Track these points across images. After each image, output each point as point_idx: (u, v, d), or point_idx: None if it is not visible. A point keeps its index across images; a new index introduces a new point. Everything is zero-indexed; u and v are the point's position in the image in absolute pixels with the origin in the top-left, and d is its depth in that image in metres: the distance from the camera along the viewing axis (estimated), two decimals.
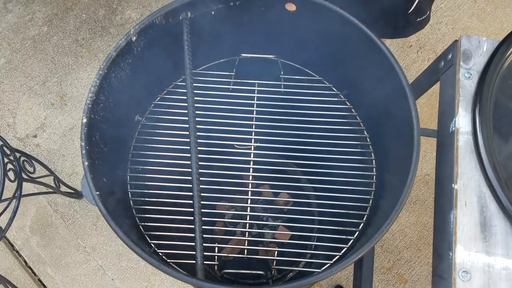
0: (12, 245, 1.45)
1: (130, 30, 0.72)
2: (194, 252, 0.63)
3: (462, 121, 0.70)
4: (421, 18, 0.95)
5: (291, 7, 0.77)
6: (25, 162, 1.13)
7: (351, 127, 0.83)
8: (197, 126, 0.71)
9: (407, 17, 0.93)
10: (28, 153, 1.23)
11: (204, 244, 0.63)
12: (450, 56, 0.77)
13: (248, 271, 0.75)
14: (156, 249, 0.72)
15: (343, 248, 0.74)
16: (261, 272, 0.75)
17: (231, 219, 1.03)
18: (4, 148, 1.03)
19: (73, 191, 1.42)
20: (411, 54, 1.67)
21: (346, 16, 0.73)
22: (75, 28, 1.73)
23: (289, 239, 1.02)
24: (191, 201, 0.66)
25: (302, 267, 0.93)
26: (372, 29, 0.71)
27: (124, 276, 1.41)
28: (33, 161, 1.17)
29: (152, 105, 0.85)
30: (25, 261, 1.43)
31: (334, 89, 0.87)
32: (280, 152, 0.79)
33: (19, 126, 1.59)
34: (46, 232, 1.45)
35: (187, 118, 0.71)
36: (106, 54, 1.69)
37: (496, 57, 0.71)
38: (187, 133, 0.70)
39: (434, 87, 0.90)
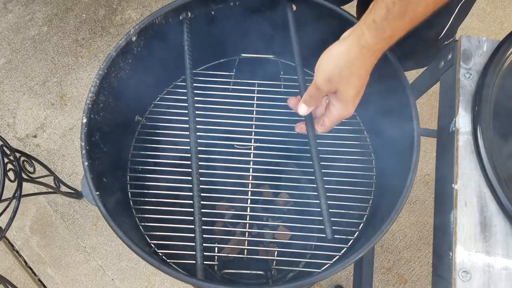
0: (12, 245, 1.45)
1: (130, 30, 0.72)
2: (194, 252, 0.63)
3: (462, 121, 0.70)
4: (449, 41, 0.89)
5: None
6: (25, 162, 1.13)
7: (351, 127, 0.83)
8: (197, 126, 0.71)
9: (437, 44, 0.89)
10: (28, 153, 1.23)
11: (204, 244, 0.63)
12: (450, 56, 0.77)
13: (248, 271, 0.75)
14: (156, 249, 0.72)
15: (343, 248, 0.74)
16: (261, 272, 0.75)
17: (231, 219, 1.03)
18: (4, 148, 1.03)
19: (73, 191, 1.42)
20: None
21: (346, 17, 0.73)
22: (75, 28, 1.73)
23: (289, 239, 1.02)
24: (191, 201, 0.66)
25: (302, 267, 0.93)
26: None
27: (124, 276, 1.41)
28: (33, 161, 1.17)
29: (152, 105, 0.85)
30: (25, 261, 1.43)
31: None
32: (280, 152, 0.79)
33: (19, 126, 1.59)
34: (46, 232, 1.45)
35: (187, 118, 0.71)
36: (106, 54, 1.69)
37: (496, 57, 0.71)
38: (187, 133, 0.70)
39: (434, 87, 0.90)
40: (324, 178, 0.70)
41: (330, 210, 0.66)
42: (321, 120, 0.65)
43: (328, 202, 0.67)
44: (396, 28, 0.51)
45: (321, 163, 0.67)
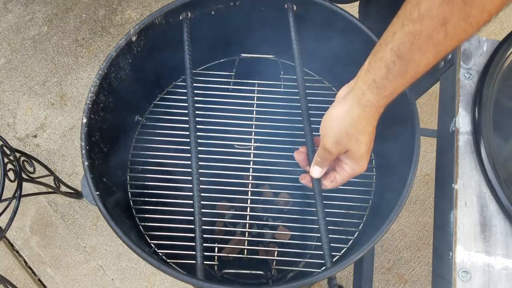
0: (12, 245, 1.45)
1: (130, 30, 0.72)
2: (194, 252, 0.63)
3: (462, 121, 0.70)
4: None
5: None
6: (25, 162, 1.13)
7: None
8: (197, 126, 0.71)
9: None
10: (28, 153, 1.23)
11: (204, 244, 0.63)
12: (450, 56, 0.77)
13: (248, 271, 0.75)
14: (156, 249, 0.72)
15: (343, 248, 0.74)
16: (261, 272, 0.75)
17: (231, 219, 1.03)
18: (4, 148, 1.03)
19: (73, 191, 1.42)
20: None
21: (346, 16, 0.73)
22: (75, 28, 1.73)
23: (289, 239, 1.02)
24: (191, 201, 0.66)
25: (302, 267, 0.93)
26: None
27: (124, 276, 1.41)
28: (33, 161, 1.17)
29: (152, 105, 0.85)
30: (25, 261, 1.43)
31: (334, 89, 0.87)
32: (280, 152, 0.79)
33: (19, 126, 1.59)
34: (46, 232, 1.45)
35: (187, 118, 0.71)
36: (106, 54, 1.69)
37: (496, 57, 0.71)
38: (187, 133, 0.70)
39: (434, 87, 0.90)
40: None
41: (330, 210, 0.66)
42: (331, 176, 0.64)
43: (329, 202, 0.67)
44: (398, 86, 0.50)
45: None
